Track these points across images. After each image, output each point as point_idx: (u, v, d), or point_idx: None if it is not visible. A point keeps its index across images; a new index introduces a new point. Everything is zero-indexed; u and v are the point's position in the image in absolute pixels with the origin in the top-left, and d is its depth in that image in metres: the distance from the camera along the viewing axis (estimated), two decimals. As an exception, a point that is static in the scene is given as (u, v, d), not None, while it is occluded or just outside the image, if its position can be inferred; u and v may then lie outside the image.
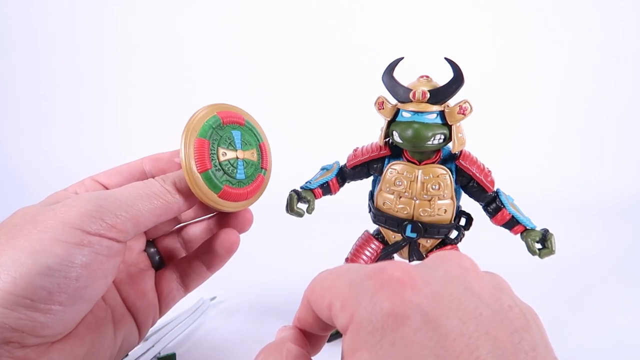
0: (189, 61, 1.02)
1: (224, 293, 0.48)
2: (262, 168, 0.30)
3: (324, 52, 0.99)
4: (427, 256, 0.37)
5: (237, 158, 0.28)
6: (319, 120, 0.92)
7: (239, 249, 0.32)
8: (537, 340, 0.15)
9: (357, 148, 0.37)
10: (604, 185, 0.86)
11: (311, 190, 0.37)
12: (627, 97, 0.96)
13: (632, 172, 0.89)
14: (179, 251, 0.33)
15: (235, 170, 0.28)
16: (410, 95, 0.32)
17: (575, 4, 0.95)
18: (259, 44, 1.01)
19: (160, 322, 0.40)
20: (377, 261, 0.38)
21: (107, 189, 0.28)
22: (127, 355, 0.35)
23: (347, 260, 0.39)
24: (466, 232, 0.37)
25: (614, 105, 0.97)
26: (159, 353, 0.37)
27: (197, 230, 0.33)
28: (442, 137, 0.32)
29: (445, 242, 0.37)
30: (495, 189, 0.35)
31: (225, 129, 0.28)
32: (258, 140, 0.30)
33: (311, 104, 0.97)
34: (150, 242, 0.32)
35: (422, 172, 0.33)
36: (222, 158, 0.27)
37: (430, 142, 0.32)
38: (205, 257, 0.30)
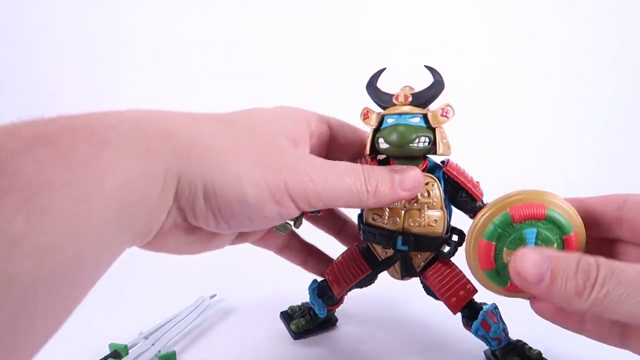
0: (192, 60, 1.03)
1: (224, 291, 0.49)
2: None
3: (316, 62, 0.99)
4: (421, 273, 0.36)
5: None
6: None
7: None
8: None
9: None
10: (605, 186, 0.84)
11: None
12: (627, 97, 0.94)
13: (632, 173, 0.87)
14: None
15: None
16: (393, 98, 0.32)
17: (575, 4, 0.94)
18: (253, 47, 1.02)
19: (160, 320, 0.42)
20: (360, 282, 0.37)
21: None
22: (127, 353, 0.37)
23: (327, 273, 0.38)
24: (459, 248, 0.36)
25: (614, 105, 0.94)
26: (159, 351, 0.38)
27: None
28: (427, 139, 0.32)
29: (437, 257, 0.35)
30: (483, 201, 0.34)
31: (517, 227, 0.27)
32: (562, 233, 0.27)
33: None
34: None
35: None
36: (507, 259, 0.27)
37: (415, 145, 0.31)
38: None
